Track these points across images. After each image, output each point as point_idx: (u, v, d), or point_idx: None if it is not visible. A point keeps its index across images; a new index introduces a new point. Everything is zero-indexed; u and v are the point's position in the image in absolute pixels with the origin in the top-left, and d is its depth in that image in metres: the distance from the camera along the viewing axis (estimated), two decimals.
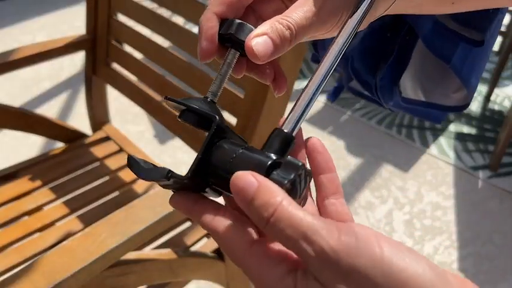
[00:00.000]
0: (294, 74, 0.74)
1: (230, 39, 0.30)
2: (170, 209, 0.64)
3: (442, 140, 1.82)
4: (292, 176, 0.24)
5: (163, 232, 0.91)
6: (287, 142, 0.27)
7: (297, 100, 0.28)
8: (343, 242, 0.21)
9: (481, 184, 1.62)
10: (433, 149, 1.77)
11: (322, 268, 0.21)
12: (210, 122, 0.28)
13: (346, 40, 0.28)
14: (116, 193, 0.98)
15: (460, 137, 1.85)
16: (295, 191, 0.25)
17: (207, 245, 0.90)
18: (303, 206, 0.27)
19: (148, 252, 0.81)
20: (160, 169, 0.26)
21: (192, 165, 0.26)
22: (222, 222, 0.25)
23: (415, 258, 0.21)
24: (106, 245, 0.58)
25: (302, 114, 0.27)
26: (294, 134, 0.27)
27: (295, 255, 0.24)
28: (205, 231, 0.92)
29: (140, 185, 1.00)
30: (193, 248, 0.90)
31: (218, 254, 0.87)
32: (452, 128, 1.89)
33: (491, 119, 1.96)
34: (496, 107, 2.03)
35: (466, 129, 1.89)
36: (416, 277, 0.20)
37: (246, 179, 0.23)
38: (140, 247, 0.85)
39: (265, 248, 0.24)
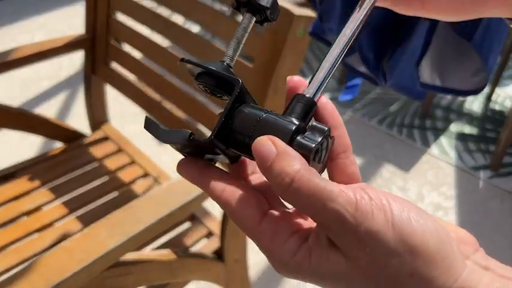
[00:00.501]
0: (294, 74, 0.74)
1: (249, 2, 0.29)
2: (170, 209, 0.63)
3: (443, 140, 1.81)
4: (319, 140, 0.24)
5: (163, 232, 0.90)
6: (309, 107, 0.26)
7: (320, 64, 0.27)
8: (360, 208, 0.22)
9: (482, 184, 1.61)
10: (434, 149, 1.77)
11: (342, 234, 0.22)
12: (229, 86, 0.27)
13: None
14: (115, 193, 0.97)
15: (461, 137, 1.84)
16: (320, 156, 0.25)
17: (206, 246, 0.89)
18: (323, 171, 0.27)
19: (147, 252, 0.80)
20: (182, 131, 0.26)
21: (215, 127, 0.25)
22: (232, 195, 0.25)
23: (422, 222, 0.22)
24: (105, 245, 0.58)
25: (325, 79, 0.27)
26: (315, 99, 0.27)
27: (305, 224, 0.25)
28: (205, 232, 0.92)
29: (139, 185, 1.00)
30: (193, 249, 0.89)
31: (218, 255, 0.87)
32: (453, 128, 1.89)
33: (492, 119, 1.96)
34: (497, 107, 2.03)
35: (467, 129, 1.89)
36: (423, 242, 0.22)
37: (265, 144, 0.23)
38: (140, 247, 0.85)
39: (275, 224, 0.24)
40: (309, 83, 0.27)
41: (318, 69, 0.27)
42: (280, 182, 0.22)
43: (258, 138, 0.23)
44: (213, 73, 0.27)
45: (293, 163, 0.22)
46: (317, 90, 0.27)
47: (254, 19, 0.30)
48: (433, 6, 0.28)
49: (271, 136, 0.24)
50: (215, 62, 0.28)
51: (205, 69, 0.28)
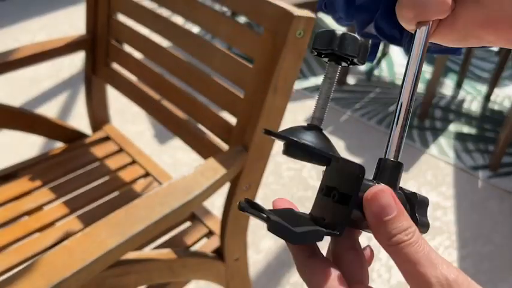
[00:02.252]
0: (294, 74, 0.74)
1: (332, 54, 0.26)
2: (170, 209, 0.64)
3: (442, 140, 1.82)
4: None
5: (163, 232, 0.91)
6: (396, 170, 0.27)
7: (391, 127, 0.28)
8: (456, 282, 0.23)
9: (481, 184, 1.61)
10: (433, 149, 1.77)
11: None
12: (320, 158, 0.26)
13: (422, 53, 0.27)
14: (116, 193, 0.98)
15: (460, 137, 1.84)
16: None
17: (207, 245, 0.89)
18: None
19: (148, 252, 0.81)
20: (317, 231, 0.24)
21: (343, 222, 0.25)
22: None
23: None
24: (106, 245, 0.58)
25: (402, 138, 0.27)
26: (399, 159, 0.27)
27: None
28: (205, 231, 0.92)
29: (140, 185, 1.00)
30: (193, 248, 0.90)
31: (218, 254, 0.87)
32: (452, 128, 1.89)
33: (491, 119, 1.96)
34: (496, 107, 2.03)
35: (466, 129, 1.89)
36: None
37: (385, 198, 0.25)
38: (140, 247, 0.85)
39: None
40: (387, 145, 0.28)
41: (391, 131, 0.27)
42: (397, 236, 0.24)
43: (377, 187, 0.25)
44: (305, 148, 0.26)
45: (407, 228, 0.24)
46: (398, 150, 0.27)
47: (339, 67, 0.27)
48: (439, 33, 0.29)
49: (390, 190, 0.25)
50: (301, 129, 0.26)
51: (294, 142, 0.26)
